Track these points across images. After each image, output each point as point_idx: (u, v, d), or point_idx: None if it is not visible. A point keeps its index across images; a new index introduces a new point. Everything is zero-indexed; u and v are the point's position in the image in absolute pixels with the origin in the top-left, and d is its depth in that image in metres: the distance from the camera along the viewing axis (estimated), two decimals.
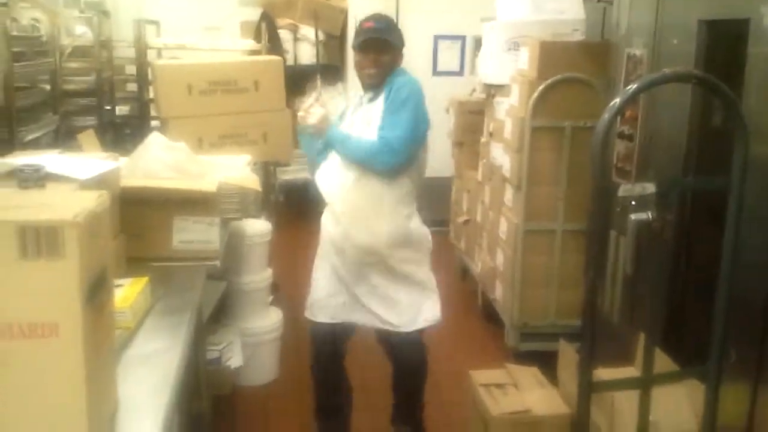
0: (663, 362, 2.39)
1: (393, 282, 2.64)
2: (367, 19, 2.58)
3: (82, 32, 3.57)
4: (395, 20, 5.83)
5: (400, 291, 2.65)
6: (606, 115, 1.86)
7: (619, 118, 3.05)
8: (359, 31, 2.58)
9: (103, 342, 1.32)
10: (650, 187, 1.97)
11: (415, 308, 2.68)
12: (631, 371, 2.64)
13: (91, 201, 1.25)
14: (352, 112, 2.68)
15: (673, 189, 2.38)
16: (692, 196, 2.69)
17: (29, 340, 1.16)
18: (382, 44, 2.51)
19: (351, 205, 2.58)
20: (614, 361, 2.67)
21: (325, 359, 2.81)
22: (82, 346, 1.18)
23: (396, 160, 2.48)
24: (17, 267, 1.13)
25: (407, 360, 2.77)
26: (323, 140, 2.62)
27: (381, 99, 2.54)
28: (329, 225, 2.67)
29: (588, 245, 2.01)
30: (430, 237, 2.73)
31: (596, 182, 1.90)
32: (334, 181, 2.60)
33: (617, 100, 1.89)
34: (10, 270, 1.13)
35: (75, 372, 1.18)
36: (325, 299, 2.72)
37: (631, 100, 2.00)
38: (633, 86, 1.92)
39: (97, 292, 1.25)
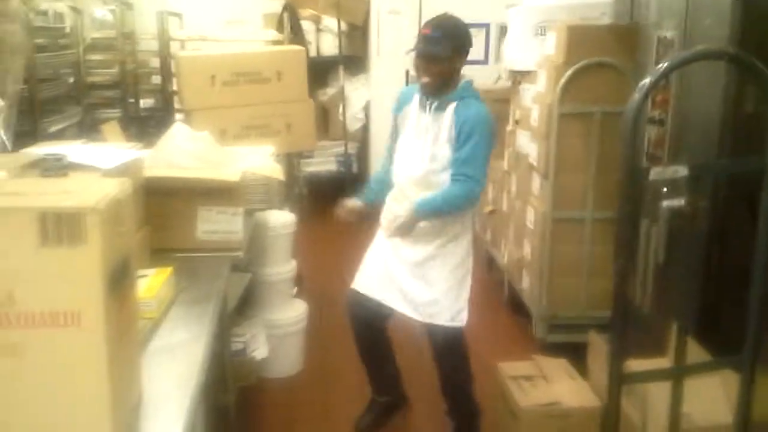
0: (696, 353, 2.33)
1: None
2: (426, 25, 2.55)
3: (101, 15, 3.55)
4: (420, 8, 5.86)
5: None
6: (636, 96, 1.80)
7: (650, 102, 2.98)
8: (417, 37, 2.56)
9: (127, 332, 1.30)
10: (682, 170, 1.91)
11: None
12: (663, 363, 2.58)
13: (113, 188, 1.23)
14: (417, 115, 2.63)
15: (706, 172, 2.31)
16: (727, 182, 2.61)
17: (50, 329, 1.14)
18: (429, 56, 2.49)
19: None
20: (646, 352, 2.61)
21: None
22: (104, 335, 1.16)
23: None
24: (38, 254, 1.12)
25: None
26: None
27: (449, 113, 2.53)
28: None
29: (618, 232, 1.96)
30: None
31: (626, 166, 1.85)
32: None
33: (647, 80, 1.83)
34: (30, 258, 1.12)
35: (97, 362, 1.16)
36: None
37: (662, 78, 1.94)
38: (664, 64, 1.86)
39: (120, 280, 1.23)
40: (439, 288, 2.62)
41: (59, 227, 1.12)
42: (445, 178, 2.53)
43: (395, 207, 2.65)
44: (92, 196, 1.15)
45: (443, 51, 2.47)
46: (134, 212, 1.87)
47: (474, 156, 2.48)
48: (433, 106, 2.56)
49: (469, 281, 2.68)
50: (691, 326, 2.39)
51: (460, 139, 2.48)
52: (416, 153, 2.59)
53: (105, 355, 1.16)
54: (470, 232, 2.70)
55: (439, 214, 2.55)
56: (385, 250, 2.72)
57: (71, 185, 1.38)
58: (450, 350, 2.70)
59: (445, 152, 2.53)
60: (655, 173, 1.83)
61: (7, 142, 1.83)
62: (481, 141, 2.48)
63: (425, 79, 2.53)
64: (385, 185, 2.74)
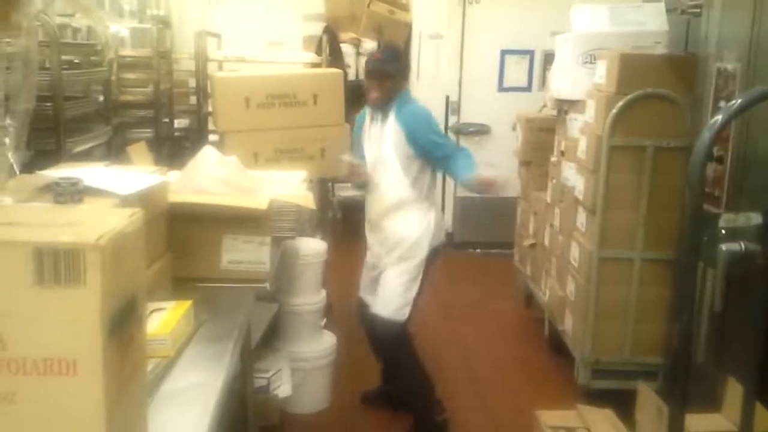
0: (759, 415, 2.12)
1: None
2: (376, 50, 3.23)
3: (121, 34, 3.48)
4: (462, 33, 5.77)
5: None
6: (706, 134, 1.63)
7: None
8: (367, 61, 3.17)
9: (130, 379, 1.17)
10: (755, 218, 1.73)
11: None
12: (717, 418, 2.40)
13: (121, 220, 1.11)
14: (369, 127, 3.09)
15: None
16: None
17: (43, 377, 1.03)
18: (382, 73, 2.97)
19: None
20: (696, 402, 2.42)
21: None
22: (102, 385, 1.03)
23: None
24: (32, 294, 1.00)
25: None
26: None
27: (391, 119, 2.97)
28: None
29: (679, 283, 1.79)
30: None
31: (693, 212, 1.67)
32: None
33: (719, 117, 1.66)
34: (24, 297, 1.00)
35: (94, 414, 1.04)
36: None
37: (735, 116, 1.77)
38: (737, 101, 1.69)
39: (123, 323, 1.10)
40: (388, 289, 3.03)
41: (56, 265, 1.00)
42: (390, 177, 2.98)
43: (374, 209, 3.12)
44: (95, 230, 1.02)
45: (394, 69, 3.00)
46: (151, 241, 1.76)
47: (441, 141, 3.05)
48: (378, 118, 3.03)
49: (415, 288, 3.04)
50: (756, 387, 2.19)
51: (416, 135, 2.93)
52: (370, 159, 3.05)
53: (102, 407, 1.04)
54: (419, 257, 3.03)
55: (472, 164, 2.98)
56: (368, 264, 3.22)
57: (79, 216, 1.27)
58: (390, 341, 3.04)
59: (389, 154, 2.96)
60: (726, 220, 1.66)
61: (15, 165, 1.73)
62: (431, 130, 3.00)
63: (374, 94, 2.99)
64: None
